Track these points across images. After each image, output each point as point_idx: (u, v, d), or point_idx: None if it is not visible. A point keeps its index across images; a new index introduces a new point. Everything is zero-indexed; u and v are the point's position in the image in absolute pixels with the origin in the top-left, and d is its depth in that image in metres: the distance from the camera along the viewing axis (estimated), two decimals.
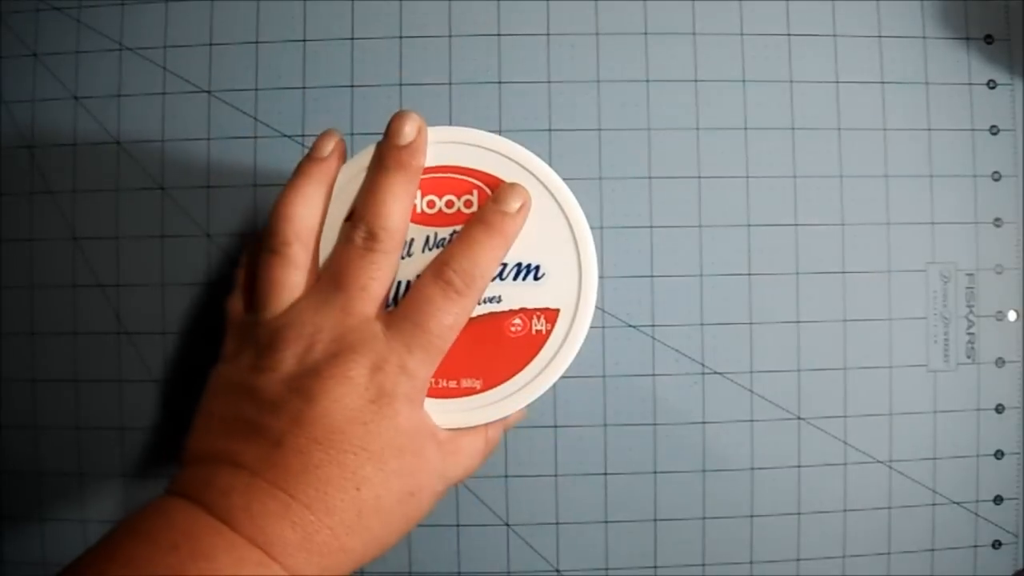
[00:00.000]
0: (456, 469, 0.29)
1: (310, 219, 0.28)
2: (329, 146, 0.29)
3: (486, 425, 0.29)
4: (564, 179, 0.29)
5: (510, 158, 0.29)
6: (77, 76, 0.39)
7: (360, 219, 0.28)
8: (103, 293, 0.39)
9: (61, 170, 0.39)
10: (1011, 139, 0.39)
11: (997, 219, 0.39)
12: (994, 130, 0.39)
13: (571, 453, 0.38)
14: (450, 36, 0.39)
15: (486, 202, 0.28)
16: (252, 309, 0.29)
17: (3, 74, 0.39)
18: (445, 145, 0.29)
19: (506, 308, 0.28)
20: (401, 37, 0.39)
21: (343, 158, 0.29)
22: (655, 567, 0.38)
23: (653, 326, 0.38)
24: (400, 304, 0.28)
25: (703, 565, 0.38)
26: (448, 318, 0.27)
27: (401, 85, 0.39)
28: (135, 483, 0.38)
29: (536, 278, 0.29)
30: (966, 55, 0.39)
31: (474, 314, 0.28)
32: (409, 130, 0.28)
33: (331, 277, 0.28)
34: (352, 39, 0.39)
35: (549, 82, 0.39)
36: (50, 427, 0.39)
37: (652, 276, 0.38)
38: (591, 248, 0.29)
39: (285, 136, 0.39)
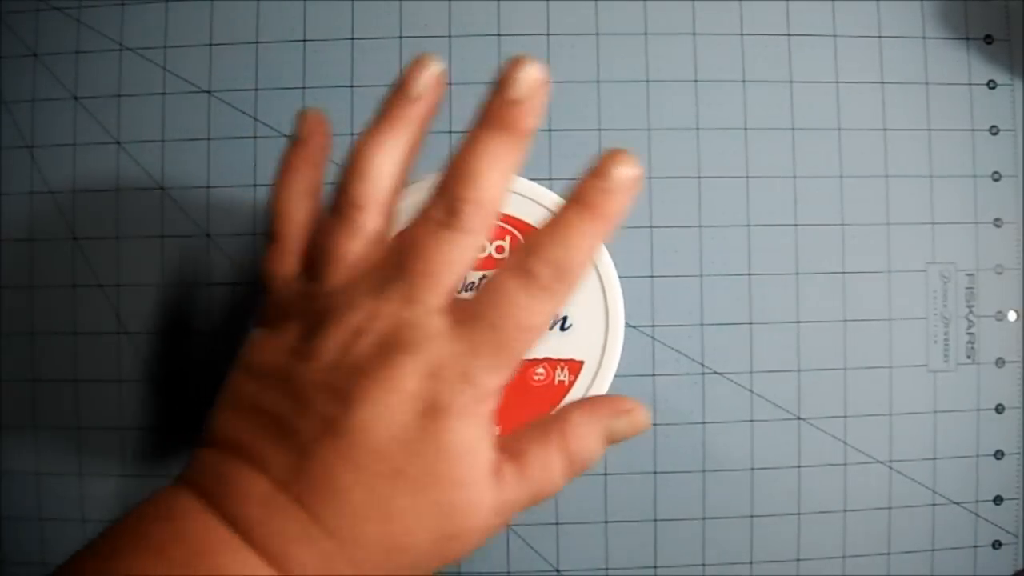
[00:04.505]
0: (518, 505, 0.23)
1: (388, 178, 0.23)
2: (422, 81, 0.23)
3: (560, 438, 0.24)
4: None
5: (539, 203, 0.29)
6: (77, 76, 0.39)
7: (443, 188, 0.22)
8: (103, 293, 0.39)
9: (61, 170, 0.39)
10: (1011, 139, 0.39)
11: (997, 219, 0.39)
12: (994, 130, 0.39)
13: None
14: (450, 36, 0.39)
15: (583, 179, 0.23)
16: (303, 275, 0.24)
17: (3, 74, 0.39)
18: None
19: (531, 356, 0.28)
20: (401, 37, 0.39)
21: (440, 98, 0.24)
22: (655, 567, 0.38)
23: (653, 326, 0.38)
24: (473, 298, 0.22)
25: (703, 565, 0.38)
26: (530, 318, 0.22)
27: None
28: (135, 483, 0.38)
29: (563, 328, 0.29)
30: (966, 55, 0.39)
31: None
32: (527, 82, 0.22)
33: (396, 255, 0.22)
34: (352, 39, 0.39)
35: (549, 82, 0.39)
36: (50, 427, 0.39)
37: (652, 276, 0.38)
38: (620, 303, 0.29)
39: (285, 136, 0.39)
